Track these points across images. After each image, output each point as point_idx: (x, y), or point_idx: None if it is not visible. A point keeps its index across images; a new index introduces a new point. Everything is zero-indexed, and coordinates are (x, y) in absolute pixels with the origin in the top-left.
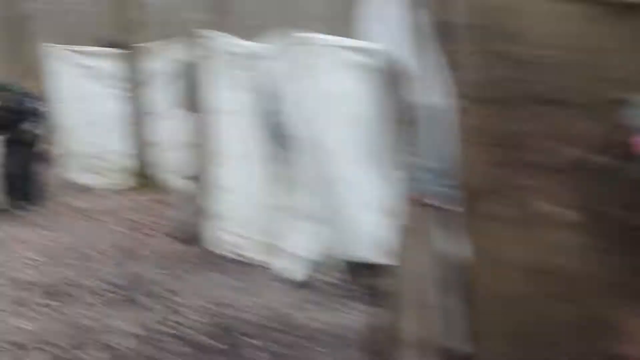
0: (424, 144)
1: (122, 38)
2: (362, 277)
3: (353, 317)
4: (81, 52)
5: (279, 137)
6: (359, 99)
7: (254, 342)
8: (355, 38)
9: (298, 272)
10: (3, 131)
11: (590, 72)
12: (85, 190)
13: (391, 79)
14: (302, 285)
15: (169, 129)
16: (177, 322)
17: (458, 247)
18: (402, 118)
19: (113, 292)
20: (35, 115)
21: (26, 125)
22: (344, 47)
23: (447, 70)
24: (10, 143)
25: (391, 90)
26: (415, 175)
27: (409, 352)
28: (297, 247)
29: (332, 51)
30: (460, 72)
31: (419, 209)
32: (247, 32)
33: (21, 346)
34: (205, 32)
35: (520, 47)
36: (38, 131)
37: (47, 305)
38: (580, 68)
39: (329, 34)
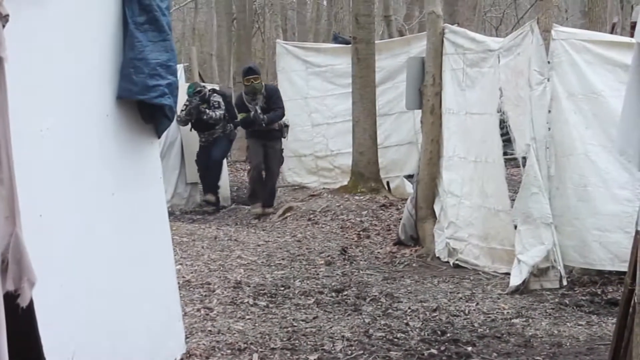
0: None
1: (355, 33)
2: (593, 287)
3: (580, 326)
4: (305, 47)
5: (516, 138)
6: (609, 97)
7: (469, 348)
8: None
9: (520, 279)
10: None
11: None
12: (303, 191)
13: None
14: (526, 291)
15: (393, 129)
16: (391, 326)
17: None
18: None
19: (327, 294)
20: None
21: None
22: (591, 40)
23: None
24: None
25: None
26: None
27: None
28: (522, 253)
29: (580, 45)
30: None
31: None
32: (488, 28)
33: (235, 347)
34: (445, 26)
35: None
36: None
37: (259, 305)
38: None
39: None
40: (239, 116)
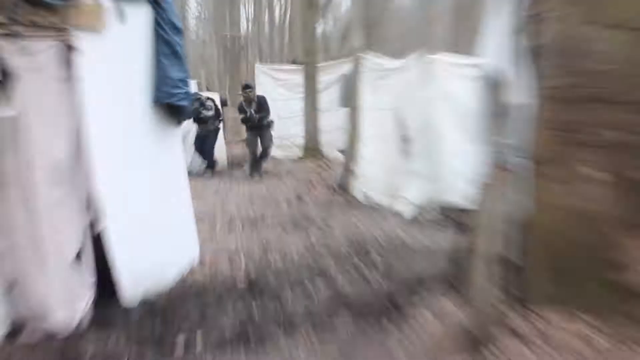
0: (509, 129)
1: (305, 59)
2: (451, 215)
3: (442, 240)
4: (275, 69)
5: (404, 125)
6: (463, 98)
7: (374, 252)
8: (474, 55)
9: (409, 212)
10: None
11: (632, 80)
12: (274, 160)
13: (493, 84)
14: (411, 220)
15: (330, 119)
16: (327, 242)
17: (522, 197)
18: (496, 111)
19: (288, 222)
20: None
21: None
22: (455, 63)
23: (534, 79)
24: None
25: (491, 92)
26: (500, 150)
27: (480, 261)
28: (410, 196)
29: (446, 66)
30: (543, 80)
31: (500, 173)
32: (391, 53)
33: (231, 253)
34: (361, 54)
35: (587, 63)
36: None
37: (245, 229)
38: (625, 77)
39: (453, 53)
40: (240, 116)
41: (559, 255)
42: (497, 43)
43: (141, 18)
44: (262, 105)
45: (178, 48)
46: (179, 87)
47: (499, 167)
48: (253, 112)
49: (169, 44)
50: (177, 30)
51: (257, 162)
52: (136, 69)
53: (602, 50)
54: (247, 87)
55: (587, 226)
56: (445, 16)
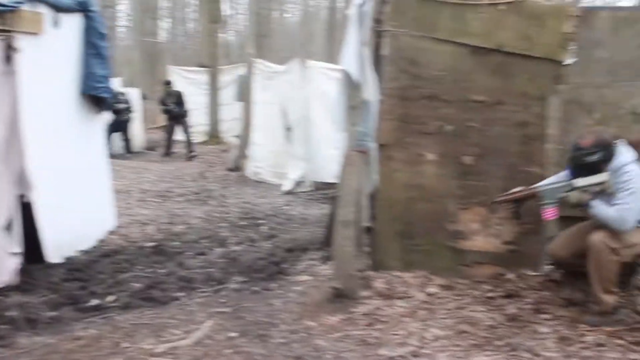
0: (362, 119)
1: (209, 63)
2: (322, 190)
3: (316, 210)
4: (186, 70)
5: (287, 116)
6: (332, 96)
7: (263, 221)
8: (338, 63)
9: (290, 187)
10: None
11: (457, 83)
12: (183, 144)
13: (350, 84)
14: (291, 194)
15: (229, 111)
16: (222, 211)
17: (373, 174)
18: (353, 105)
19: (191, 196)
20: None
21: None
22: (326, 68)
23: (377, 80)
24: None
25: (348, 91)
26: (356, 136)
27: (341, 228)
28: (291, 174)
29: (320, 70)
30: (384, 82)
31: (356, 154)
32: (278, 60)
33: (142, 222)
34: (254, 60)
35: (420, 69)
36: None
37: (155, 201)
38: (451, 81)
39: (325, 61)
40: (161, 107)
41: (404, 224)
42: (352, 52)
43: (73, 25)
44: (179, 98)
45: (102, 50)
46: (102, 82)
47: (356, 149)
48: (171, 104)
49: (95, 46)
50: (102, 36)
51: (171, 145)
52: (67, 65)
53: (434, 60)
54: (168, 83)
55: (426, 199)
56: (321, 31)
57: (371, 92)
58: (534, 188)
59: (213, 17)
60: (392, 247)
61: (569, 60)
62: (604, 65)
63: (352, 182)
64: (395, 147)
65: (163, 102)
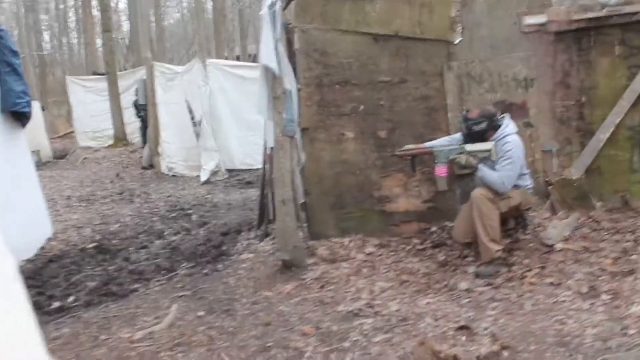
0: (286, 107)
1: (107, 70)
2: (236, 176)
3: (237, 195)
4: (84, 79)
5: (193, 114)
6: (233, 91)
7: (191, 211)
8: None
9: (207, 177)
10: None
11: (364, 67)
12: (91, 149)
13: (270, 76)
14: (209, 183)
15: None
16: (150, 206)
17: (300, 154)
18: (276, 96)
19: (115, 196)
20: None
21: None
22: (225, 65)
23: (294, 71)
24: None
25: (269, 82)
26: (283, 122)
27: (281, 205)
28: (205, 165)
29: (219, 67)
30: (300, 72)
31: (285, 138)
32: (177, 61)
33: (77, 226)
34: (153, 62)
35: (330, 58)
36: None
37: (82, 206)
38: (359, 66)
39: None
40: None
41: (335, 196)
42: (270, 49)
43: None
44: None
45: (17, 67)
46: (21, 98)
47: (284, 134)
48: None
49: (9, 64)
50: (15, 54)
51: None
52: None
53: (341, 49)
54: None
55: (351, 172)
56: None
57: (291, 82)
58: (429, 147)
59: (105, 26)
60: (327, 217)
61: (457, 40)
62: (486, 42)
63: (285, 164)
64: (317, 130)
65: None
